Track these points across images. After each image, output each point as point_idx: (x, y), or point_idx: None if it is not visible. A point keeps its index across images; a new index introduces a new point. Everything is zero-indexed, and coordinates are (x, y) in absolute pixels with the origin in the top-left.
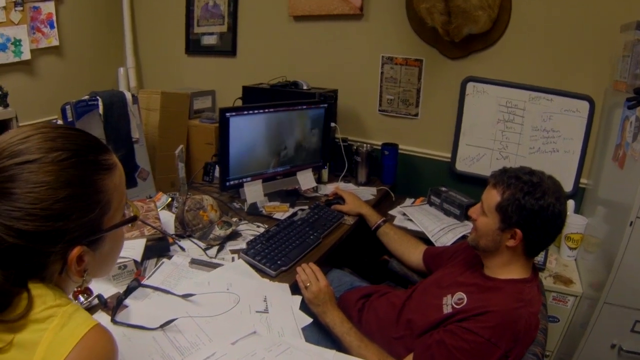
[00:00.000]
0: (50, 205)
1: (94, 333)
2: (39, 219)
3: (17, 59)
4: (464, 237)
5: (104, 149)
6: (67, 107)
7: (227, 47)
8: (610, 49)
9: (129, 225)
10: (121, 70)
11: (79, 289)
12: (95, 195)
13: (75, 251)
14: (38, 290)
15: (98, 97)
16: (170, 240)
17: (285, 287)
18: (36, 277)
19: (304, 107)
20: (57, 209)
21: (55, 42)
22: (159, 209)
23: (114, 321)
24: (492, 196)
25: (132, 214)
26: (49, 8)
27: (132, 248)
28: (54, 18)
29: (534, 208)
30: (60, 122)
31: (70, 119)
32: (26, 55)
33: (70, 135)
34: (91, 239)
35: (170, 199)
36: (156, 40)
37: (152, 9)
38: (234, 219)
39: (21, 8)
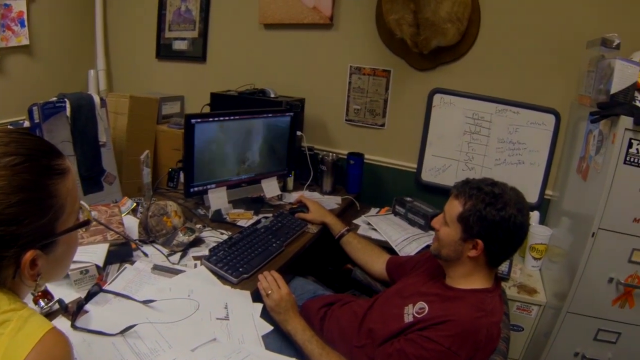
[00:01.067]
0: (3, 210)
1: (50, 336)
2: None
3: None
4: (428, 247)
5: (56, 153)
6: (34, 108)
7: (198, 52)
8: (576, 64)
9: (83, 229)
10: (91, 72)
11: (38, 293)
12: (48, 199)
13: (28, 255)
14: None
15: (66, 99)
16: (133, 246)
17: (246, 294)
18: None
19: (270, 115)
20: (9, 214)
21: (26, 42)
22: (123, 214)
23: (74, 326)
24: (454, 207)
25: (85, 218)
26: (20, 6)
27: (95, 253)
28: (25, 17)
29: (495, 219)
30: (27, 123)
31: (37, 121)
32: None
33: (23, 140)
34: (44, 243)
35: (135, 204)
36: (127, 43)
37: (124, 12)
38: (198, 226)
39: None
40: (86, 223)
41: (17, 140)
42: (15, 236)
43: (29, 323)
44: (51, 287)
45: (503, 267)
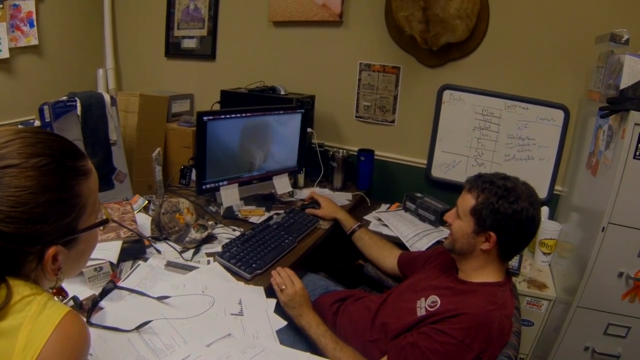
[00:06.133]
0: (31, 209)
1: (68, 318)
2: (19, 221)
3: None
4: (438, 242)
5: (80, 155)
6: (45, 107)
7: (207, 51)
8: (585, 59)
9: (102, 227)
10: (100, 71)
11: (54, 290)
12: (73, 199)
13: (51, 251)
14: (13, 282)
15: (76, 98)
16: (147, 243)
17: (260, 290)
18: (13, 274)
19: (281, 112)
20: (37, 213)
21: (35, 42)
22: (135, 212)
23: (89, 322)
24: (466, 200)
25: (103, 217)
26: (29, 6)
27: (108, 250)
28: (34, 17)
29: (507, 212)
30: (37, 122)
31: (48, 120)
32: (5, 54)
33: (49, 140)
34: (66, 240)
35: (147, 202)
36: (136, 42)
37: (132, 11)
38: (210, 222)
39: (1, 5)
40: (106, 222)
41: (44, 140)
42: (40, 234)
43: (48, 307)
44: (65, 284)
45: (513, 262)
